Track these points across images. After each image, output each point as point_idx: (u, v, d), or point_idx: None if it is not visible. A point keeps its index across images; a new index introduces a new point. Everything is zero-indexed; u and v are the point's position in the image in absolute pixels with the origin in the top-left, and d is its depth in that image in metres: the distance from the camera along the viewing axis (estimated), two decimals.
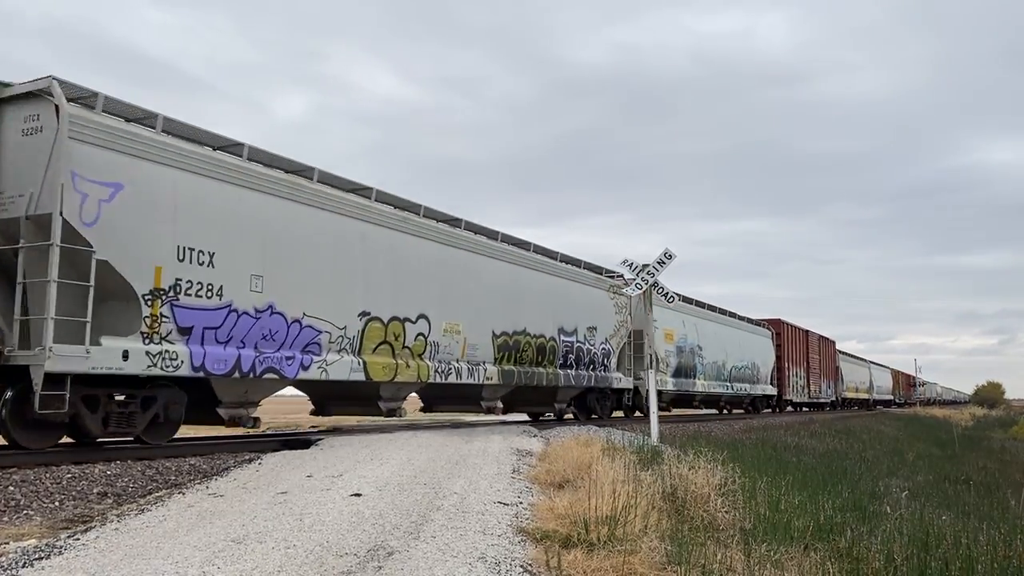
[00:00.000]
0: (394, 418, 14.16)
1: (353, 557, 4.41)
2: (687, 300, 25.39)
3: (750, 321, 32.58)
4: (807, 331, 41.08)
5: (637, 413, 21.53)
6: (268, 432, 14.72)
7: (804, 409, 42.61)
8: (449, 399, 16.19)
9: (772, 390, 33.96)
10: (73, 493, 6.67)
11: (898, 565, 5.20)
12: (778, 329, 35.96)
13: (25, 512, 5.94)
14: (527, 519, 5.75)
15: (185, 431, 17.56)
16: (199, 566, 4.21)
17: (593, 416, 19.40)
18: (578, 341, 18.24)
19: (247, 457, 9.08)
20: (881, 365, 72.23)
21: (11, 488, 6.60)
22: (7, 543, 4.84)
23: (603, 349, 19.42)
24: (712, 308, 28.49)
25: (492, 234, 15.78)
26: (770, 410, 35.04)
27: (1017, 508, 9.15)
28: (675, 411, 26.47)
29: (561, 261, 18.25)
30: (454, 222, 14.66)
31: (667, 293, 13.22)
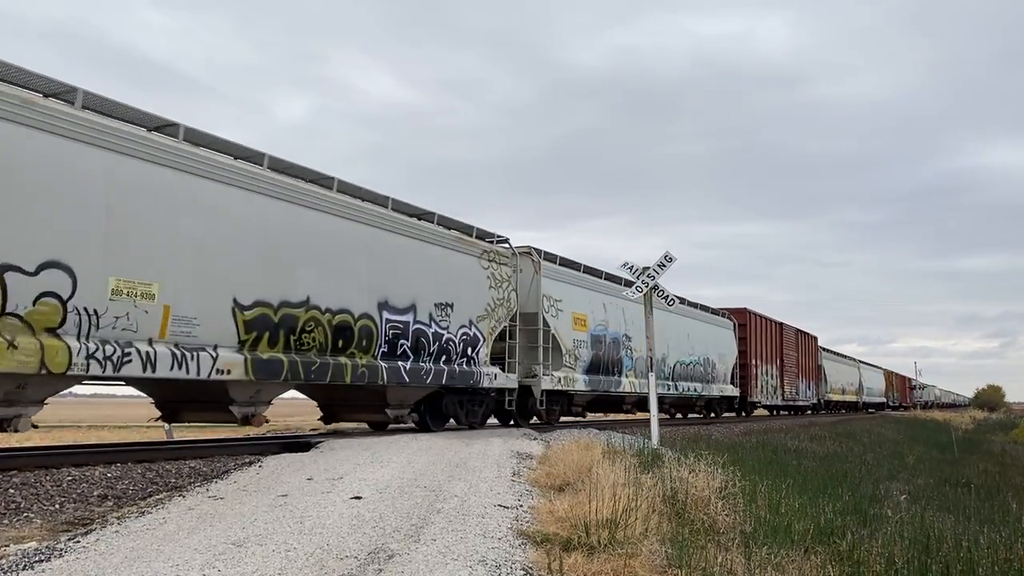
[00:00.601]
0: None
1: (353, 560, 4.41)
2: (612, 278, 20.05)
3: (705, 309, 26.89)
4: (781, 324, 35.36)
5: (535, 420, 17.47)
6: (268, 434, 14.72)
7: (781, 413, 38.82)
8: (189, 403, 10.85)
9: (733, 391, 28.59)
10: (73, 496, 6.67)
11: (899, 568, 5.20)
12: (742, 320, 30.19)
13: (25, 515, 5.94)
14: (527, 522, 5.75)
15: (186, 433, 17.59)
16: (199, 569, 4.21)
17: (458, 425, 14.96)
18: (419, 322, 13.04)
19: (247, 460, 9.07)
20: (872, 365, 66.90)
21: (11, 491, 6.60)
22: (7, 545, 4.84)
23: (465, 335, 14.29)
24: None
25: (251, 155, 10.45)
26: (733, 414, 30.82)
27: (1018, 511, 9.14)
28: (590, 416, 21.24)
29: (399, 212, 13.04)
30: (142, 120, 9.19)
31: (667, 296, 13.22)
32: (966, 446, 26.48)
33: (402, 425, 14.56)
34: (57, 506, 6.31)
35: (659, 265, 12.91)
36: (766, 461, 11.27)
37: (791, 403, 36.49)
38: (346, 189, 11.96)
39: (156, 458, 8.89)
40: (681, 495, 6.66)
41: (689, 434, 15.75)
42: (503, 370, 15.44)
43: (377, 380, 11.98)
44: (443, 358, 13.68)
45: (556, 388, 16.77)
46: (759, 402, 31.72)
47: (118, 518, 5.70)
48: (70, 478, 7.30)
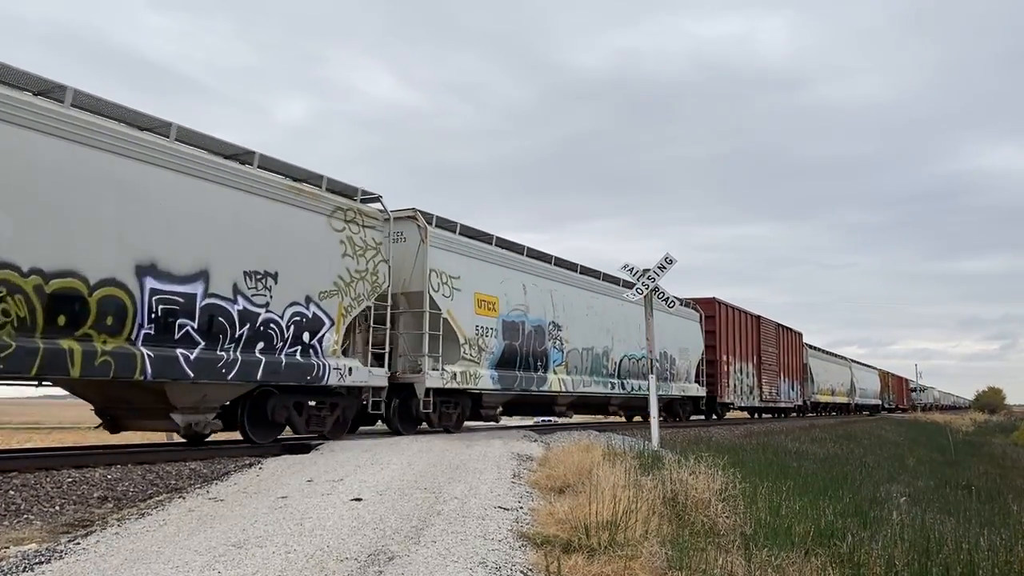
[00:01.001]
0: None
1: (354, 562, 4.41)
2: (538, 256, 16.94)
3: (665, 299, 22.02)
4: (759, 317, 31.44)
5: (424, 426, 14.36)
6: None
7: (763, 416, 35.35)
8: None
9: (698, 390, 24.94)
10: (73, 497, 6.67)
11: (899, 570, 5.20)
12: (711, 311, 26.54)
13: (25, 516, 5.94)
14: (528, 524, 5.75)
15: None
16: (199, 570, 4.21)
17: (296, 435, 11.59)
18: (214, 296, 9.55)
19: (247, 461, 9.08)
20: (866, 365, 63.12)
21: (12, 492, 6.60)
22: (7, 547, 4.84)
23: (298, 316, 10.80)
24: (589, 272, 19.08)
25: None
26: (702, 417, 27.08)
27: (1018, 514, 9.14)
28: (507, 420, 18.56)
29: (190, 145, 9.60)
30: None
31: (667, 298, 13.23)
32: (966, 448, 26.48)
33: (377, 429, 13.66)
34: (57, 508, 6.31)
35: (659, 267, 12.93)
36: (766, 463, 11.28)
37: (771, 404, 32.72)
38: (91, 106, 8.66)
39: (156, 460, 8.89)
40: (681, 497, 6.66)
41: (690, 436, 15.74)
42: (380, 364, 12.55)
43: (133, 373, 8.55)
44: (260, 345, 10.20)
45: (450, 386, 13.62)
46: (732, 403, 27.99)
47: (118, 520, 5.70)
48: (70, 480, 7.30)
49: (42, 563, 4.35)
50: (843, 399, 50.00)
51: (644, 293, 12.98)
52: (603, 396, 19.39)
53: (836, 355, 50.41)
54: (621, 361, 20.15)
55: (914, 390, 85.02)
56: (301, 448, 10.47)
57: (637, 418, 22.95)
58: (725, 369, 27.19)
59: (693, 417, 26.10)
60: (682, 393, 23.83)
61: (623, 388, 20.13)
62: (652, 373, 13.11)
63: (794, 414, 38.56)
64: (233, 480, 7.67)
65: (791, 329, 36.96)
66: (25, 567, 4.27)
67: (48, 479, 7.24)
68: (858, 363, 58.47)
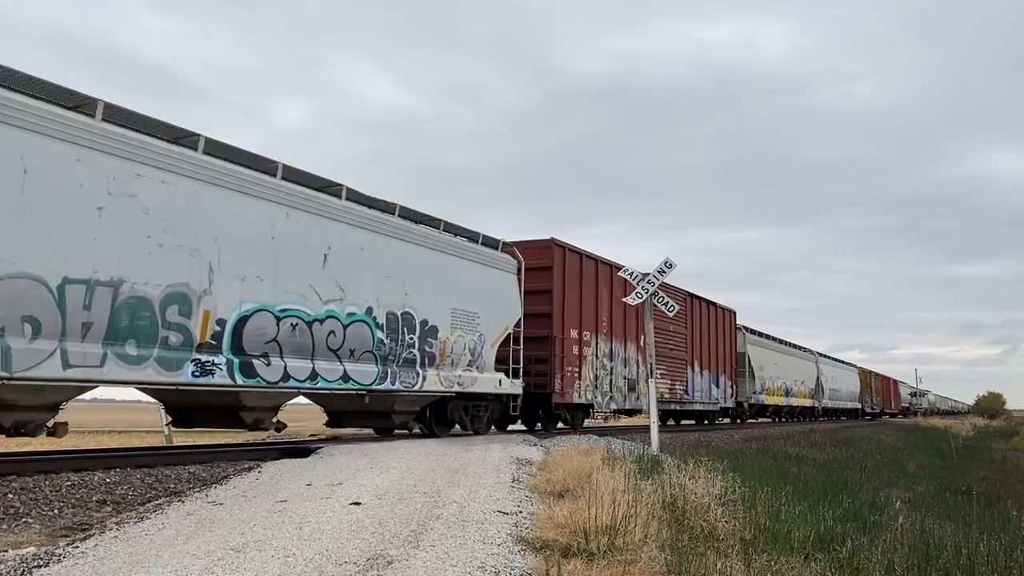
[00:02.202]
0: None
1: (352, 566, 4.41)
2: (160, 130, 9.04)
3: (456, 231, 14.24)
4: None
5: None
6: (268, 440, 14.71)
7: (672, 423, 26.38)
8: None
9: (500, 383, 14.96)
10: (72, 501, 6.66)
11: (899, 575, 5.19)
12: (542, 260, 16.75)
13: (24, 520, 5.93)
14: (527, 528, 5.74)
15: (185, 438, 17.58)
16: (198, 574, 4.20)
17: None
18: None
19: (246, 465, 9.07)
20: (840, 361, 53.05)
21: (10, 495, 6.59)
22: (6, 551, 4.84)
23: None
24: (265, 167, 10.41)
25: None
26: (524, 426, 17.78)
27: (1018, 519, 9.13)
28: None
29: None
30: None
31: (667, 303, 13.22)
32: (966, 453, 26.46)
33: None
34: (56, 511, 6.30)
35: (659, 271, 12.93)
36: (766, 468, 11.27)
37: (676, 406, 23.43)
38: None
39: (155, 463, 8.89)
40: (681, 502, 6.65)
41: (689, 440, 15.73)
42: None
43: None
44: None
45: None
46: (590, 405, 18.30)
47: (117, 523, 5.70)
48: (69, 483, 7.29)
49: (40, 567, 4.34)
50: (804, 401, 39.90)
51: (644, 298, 12.98)
52: (259, 392, 10.41)
53: (795, 346, 40.46)
54: (329, 335, 11.07)
55: (914, 394, 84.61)
56: (300, 452, 10.47)
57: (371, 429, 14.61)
58: (569, 352, 17.02)
59: (512, 428, 17.47)
60: (463, 388, 13.82)
61: (339, 378, 11.26)
62: (652, 378, 13.10)
63: (725, 420, 30.19)
64: (232, 484, 7.66)
65: (716, 305, 27.25)
66: (23, 571, 4.26)
67: (47, 482, 7.23)
68: (829, 358, 49.01)
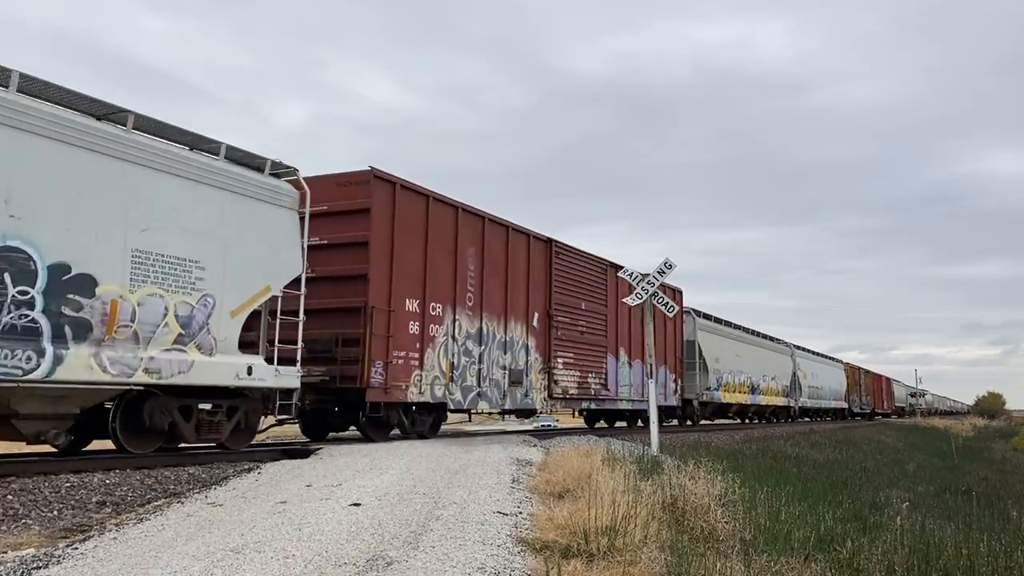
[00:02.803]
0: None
1: (352, 567, 4.40)
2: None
3: (116, 116, 8.67)
4: (551, 240, 17.12)
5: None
6: (268, 441, 14.69)
7: (560, 428, 22.88)
8: None
9: (267, 374, 10.02)
10: (72, 502, 6.66)
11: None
12: (355, 199, 12.40)
13: (23, 521, 5.93)
14: (527, 529, 5.74)
15: None
16: (198, 575, 4.20)
17: None
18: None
19: (246, 466, 9.06)
20: (824, 355, 47.57)
21: (10, 497, 6.59)
22: (5, 552, 4.83)
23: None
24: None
25: None
26: (310, 431, 13.55)
27: (1018, 519, 9.13)
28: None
29: None
30: None
31: (667, 303, 13.22)
32: (966, 454, 26.47)
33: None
34: (55, 512, 6.29)
35: (659, 272, 12.93)
36: (766, 468, 11.27)
37: (591, 403, 18.87)
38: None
39: (155, 464, 8.87)
40: (680, 502, 6.65)
41: (690, 441, 15.73)
42: None
43: None
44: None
45: None
46: (443, 403, 13.74)
47: (116, 525, 5.69)
48: (68, 484, 7.29)
49: (40, 568, 4.34)
50: (775, 399, 33.80)
51: (644, 299, 12.98)
52: None
53: (764, 336, 34.80)
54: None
55: (914, 395, 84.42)
56: (300, 453, 10.46)
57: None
58: (404, 331, 12.74)
59: (269, 440, 13.99)
60: (149, 377, 8.78)
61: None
62: (652, 378, 13.10)
63: (673, 421, 24.47)
64: (232, 485, 7.65)
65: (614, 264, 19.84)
66: (23, 572, 4.25)
67: (47, 484, 7.22)
68: (809, 352, 42.86)
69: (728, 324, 29.89)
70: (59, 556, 4.59)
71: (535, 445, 12.64)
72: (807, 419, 40.57)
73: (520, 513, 6.39)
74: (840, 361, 51.00)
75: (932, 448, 27.54)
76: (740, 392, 29.29)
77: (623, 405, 20.27)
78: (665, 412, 22.65)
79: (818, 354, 45.53)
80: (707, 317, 27.73)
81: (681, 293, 24.21)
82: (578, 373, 17.95)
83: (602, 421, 22.43)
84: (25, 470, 7.85)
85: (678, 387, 23.85)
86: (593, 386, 18.63)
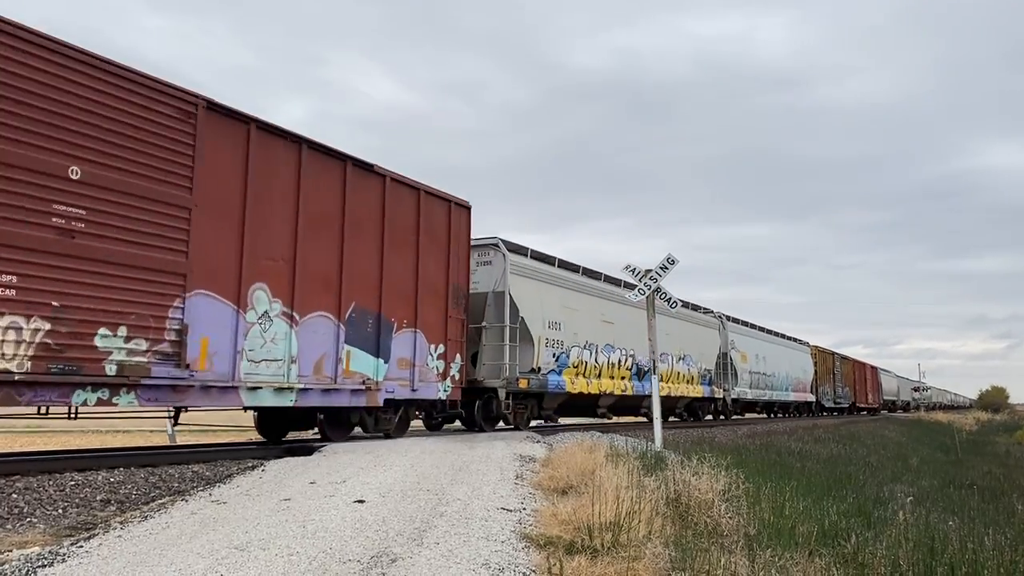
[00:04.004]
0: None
1: (356, 564, 4.41)
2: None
3: None
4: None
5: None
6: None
7: (551, 426, 17.96)
8: None
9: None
10: (76, 500, 6.67)
11: (904, 571, 5.18)
12: None
13: (28, 519, 5.94)
14: (531, 525, 5.74)
15: (188, 438, 17.58)
16: (202, 573, 4.20)
17: None
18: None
19: (250, 464, 9.07)
20: (782, 336, 36.30)
21: (14, 495, 6.60)
22: (10, 551, 4.84)
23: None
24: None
25: None
26: None
27: (1023, 513, 9.11)
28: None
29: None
30: None
31: (670, 299, 13.19)
32: (970, 448, 26.43)
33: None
34: (60, 511, 6.30)
35: (661, 267, 12.91)
36: (769, 463, 11.26)
37: (294, 397, 10.60)
38: None
39: (159, 462, 8.89)
40: (684, 498, 6.65)
41: (692, 437, 15.72)
42: None
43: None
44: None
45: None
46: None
47: (121, 523, 5.70)
48: (73, 482, 7.30)
49: (45, 566, 4.34)
50: (689, 389, 24.00)
51: (647, 294, 12.96)
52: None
53: (694, 306, 26.04)
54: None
55: (917, 389, 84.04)
56: (304, 450, 10.47)
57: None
58: None
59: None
60: None
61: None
62: (654, 374, 13.09)
63: (460, 422, 16.02)
64: (236, 482, 7.66)
65: (404, 182, 13.17)
66: (28, 570, 4.26)
67: (51, 482, 7.23)
68: (754, 327, 32.10)
69: (577, 270, 19.09)
70: (64, 554, 4.60)
71: (538, 441, 12.65)
72: (756, 415, 32.90)
73: (524, 509, 6.39)
74: (806, 343, 40.85)
75: (935, 443, 27.51)
76: (610, 377, 19.29)
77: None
78: (434, 407, 14.14)
79: (769, 332, 34.54)
80: (524, 253, 16.80)
81: (468, 211, 14.95)
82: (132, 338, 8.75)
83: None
84: (30, 468, 7.87)
85: (460, 370, 14.35)
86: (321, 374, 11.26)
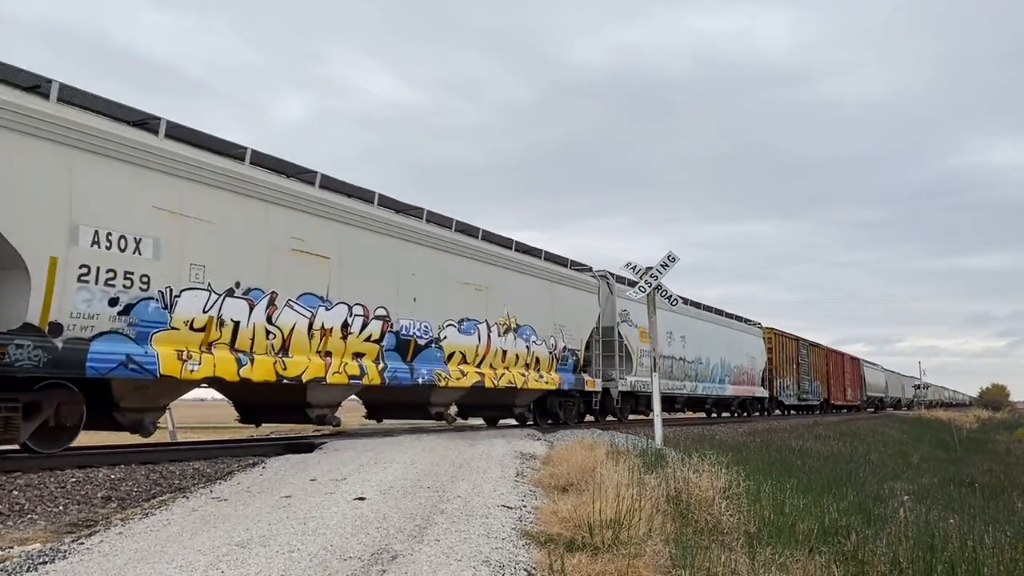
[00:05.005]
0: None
1: (357, 561, 4.41)
2: None
3: None
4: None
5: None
6: (271, 436, 14.73)
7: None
8: None
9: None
10: (77, 497, 6.68)
11: (904, 568, 5.19)
12: None
13: (29, 516, 5.95)
14: (531, 523, 5.74)
15: (189, 434, 17.60)
16: (203, 570, 4.21)
17: None
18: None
19: (251, 461, 9.08)
20: (719, 313, 28.90)
21: (15, 492, 6.60)
22: (11, 547, 4.85)
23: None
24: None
25: None
26: None
27: (1023, 511, 9.12)
28: None
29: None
30: None
31: (671, 296, 13.19)
32: (970, 446, 26.43)
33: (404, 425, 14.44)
34: (61, 508, 6.31)
35: (662, 265, 12.90)
36: (770, 461, 11.27)
37: None
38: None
39: (160, 459, 8.90)
40: (685, 495, 6.65)
41: (693, 434, 15.73)
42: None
43: None
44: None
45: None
46: None
47: (122, 520, 5.70)
48: (74, 480, 7.31)
49: (46, 563, 4.35)
50: (524, 378, 15.86)
51: (647, 291, 12.96)
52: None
53: (506, 244, 16.48)
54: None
55: (917, 387, 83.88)
56: (304, 447, 10.48)
57: None
58: None
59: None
60: None
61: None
62: (655, 371, 13.10)
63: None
64: (236, 480, 7.67)
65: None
66: (29, 567, 4.26)
67: (52, 479, 7.24)
68: (682, 301, 22.91)
69: (366, 197, 12.69)
70: (65, 551, 4.60)
71: (539, 439, 12.65)
72: (681, 415, 27.00)
73: (524, 507, 6.39)
74: (757, 324, 33.36)
75: (936, 440, 27.51)
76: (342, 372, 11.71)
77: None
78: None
79: (704, 307, 27.59)
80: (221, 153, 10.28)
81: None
82: None
83: None
84: (31, 466, 7.88)
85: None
86: None
